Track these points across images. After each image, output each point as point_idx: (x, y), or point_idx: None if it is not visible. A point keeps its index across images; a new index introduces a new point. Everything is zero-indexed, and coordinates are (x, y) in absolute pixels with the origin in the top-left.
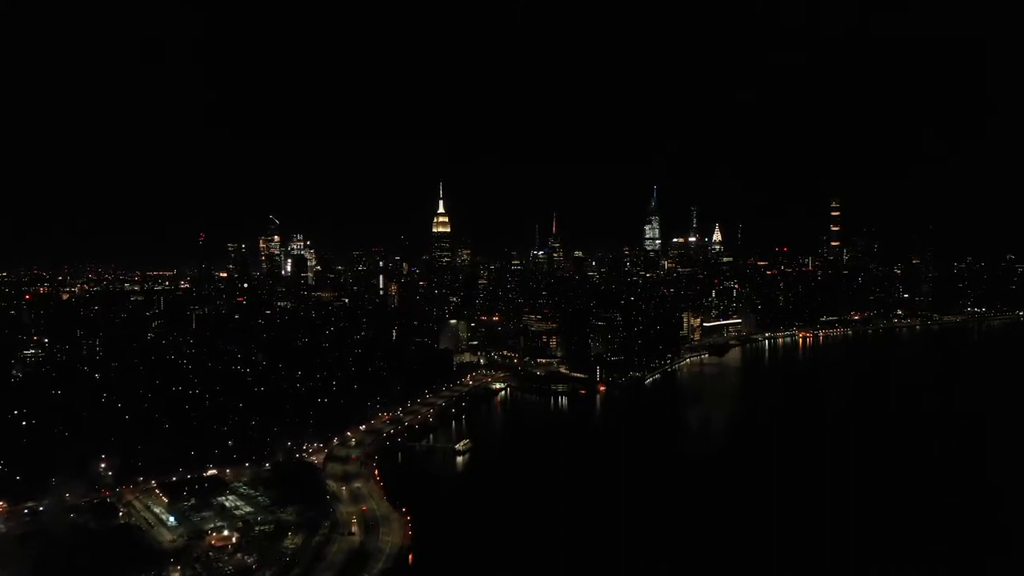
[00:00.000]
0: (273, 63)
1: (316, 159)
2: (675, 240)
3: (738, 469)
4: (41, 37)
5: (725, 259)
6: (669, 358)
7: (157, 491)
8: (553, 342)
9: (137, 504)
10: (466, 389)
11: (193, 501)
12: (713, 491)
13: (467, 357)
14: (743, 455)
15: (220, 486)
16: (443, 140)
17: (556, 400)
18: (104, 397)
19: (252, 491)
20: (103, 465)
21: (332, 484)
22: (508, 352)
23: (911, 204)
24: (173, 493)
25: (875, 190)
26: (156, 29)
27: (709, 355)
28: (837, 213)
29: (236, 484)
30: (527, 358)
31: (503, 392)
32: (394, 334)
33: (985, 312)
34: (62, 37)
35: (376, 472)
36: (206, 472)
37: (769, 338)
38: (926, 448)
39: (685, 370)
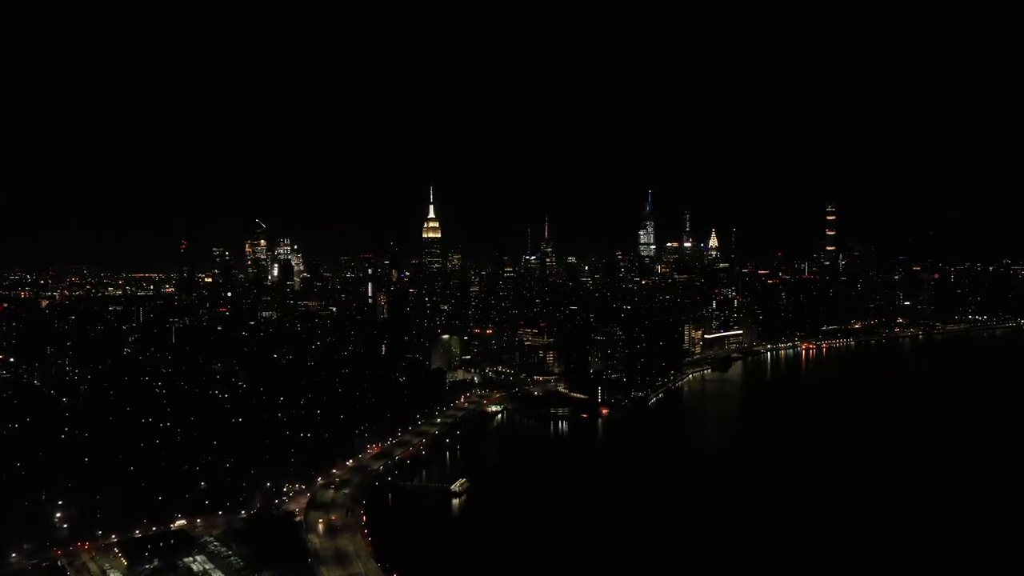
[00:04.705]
0: (264, 60)
1: (308, 160)
2: (669, 245)
3: (753, 507)
4: (24, 36)
5: (721, 265)
6: (672, 374)
7: (116, 550)
8: (551, 358)
9: (92, 567)
10: (460, 413)
11: (156, 563)
12: (729, 536)
13: (460, 375)
14: (756, 490)
15: (188, 543)
16: (437, 135)
17: (556, 425)
18: (66, 431)
19: (224, 548)
20: (58, 515)
21: (314, 539)
22: (503, 368)
23: (907, 207)
24: (134, 553)
25: (870, 193)
26: (146, 27)
27: (712, 370)
28: (832, 218)
29: (206, 539)
30: (523, 375)
31: (500, 416)
32: (383, 349)
33: (987, 320)
34: (43, 36)
35: (364, 519)
36: (174, 523)
37: (771, 350)
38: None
39: (688, 388)
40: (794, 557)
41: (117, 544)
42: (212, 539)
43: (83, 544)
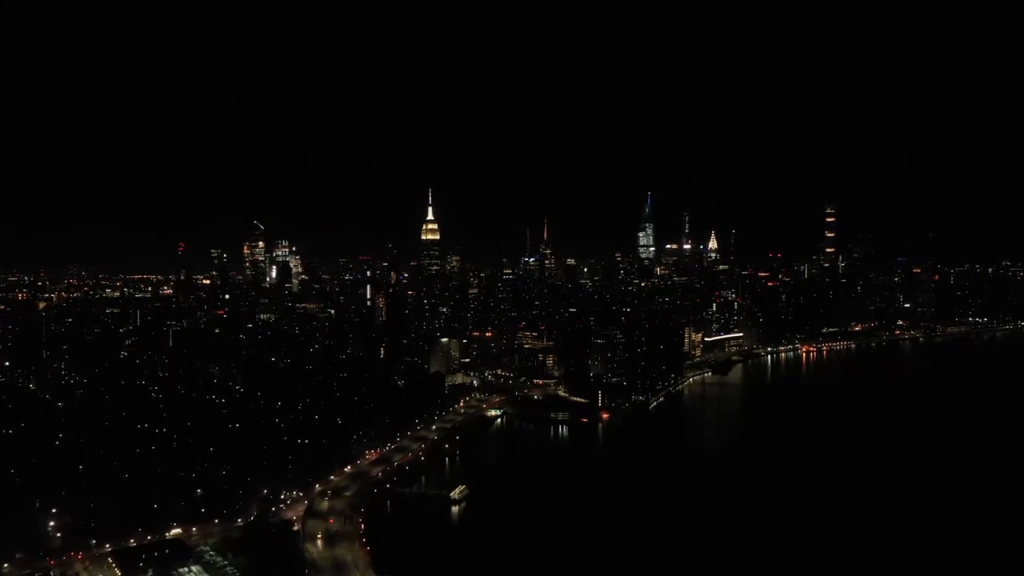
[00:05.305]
0: (260, 57)
1: (306, 161)
2: (668, 247)
3: (754, 513)
4: (23, 36)
5: (721, 267)
6: (672, 378)
7: (110, 560)
8: (550, 361)
9: None
10: (460, 418)
11: (150, 573)
12: (730, 542)
13: (459, 378)
14: (758, 495)
15: (183, 553)
16: (435, 136)
17: (556, 430)
18: (61, 436)
19: (220, 558)
20: (52, 524)
21: (312, 549)
22: (502, 371)
23: (904, 210)
24: (128, 562)
25: (868, 196)
26: (145, 27)
27: (712, 373)
28: (832, 219)
29: (202, 548)
30: (523, 379)
31: (499, 420)
32: (382, 352)
33: (987, 322)
34: (42, 36)
35: (363, 527)
36: (169, 532)
37: (771, 353)
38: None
39: (688, 392)
40: (796, 562)
41: (111, 554)
42: (208, 548)
43: (76, 553)
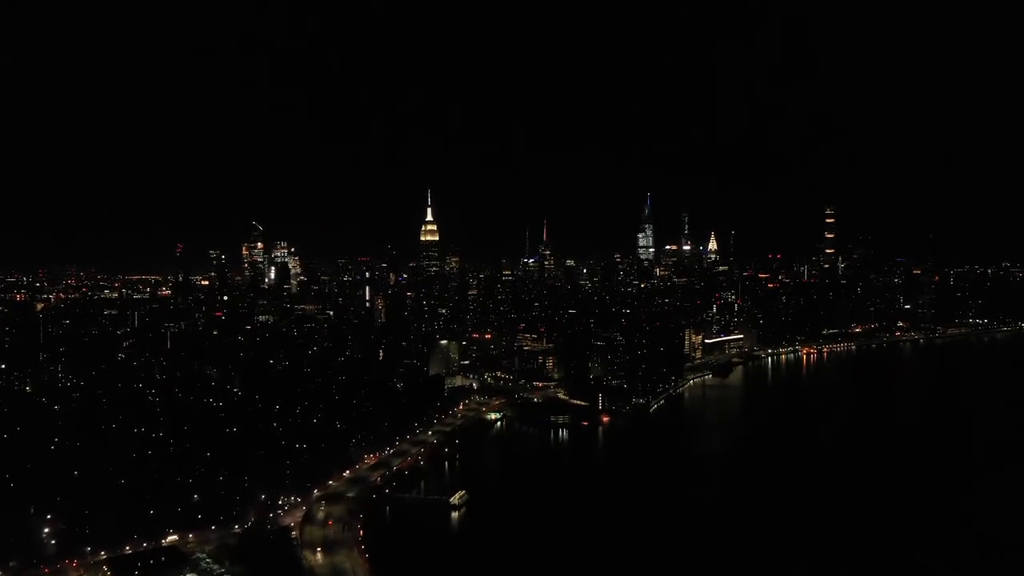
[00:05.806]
0: (260, 56)
1: (306, 162)
2: (667, 247)
3: (757, 519)
4: (22, 36)
5: (720, 268)
6: (673, 380)
7: (105, 567)
8: (550, 363)
9: None
10: (459, 421)
11: None
12: (733, 549)
13: (459, 380)
14: (760, 500)
15: (179, 560)
16: (435, 136)
17: (557, 433)
18: (57, 441)
19: (216, 566)
20: (46, 531)
21: (310, 556)
22: (502, 373)
23: (903, 211)
24: (123, 571)
25: (868, 197)
26: (144, 28)
27: (712, 375)
28: (831, 220)
29: (198, 556)
30: (523, 381)
31: (499, 423)
32: (381, 354)
33: (988, 324)
34: (41, 36)
35: (361, 533)
36: (165, 539)
37: (772, 355)
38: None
39: (689, 394)
40: (796, 563)
41: (106, 561)
42: (204, 556)
43: (71, 561)
